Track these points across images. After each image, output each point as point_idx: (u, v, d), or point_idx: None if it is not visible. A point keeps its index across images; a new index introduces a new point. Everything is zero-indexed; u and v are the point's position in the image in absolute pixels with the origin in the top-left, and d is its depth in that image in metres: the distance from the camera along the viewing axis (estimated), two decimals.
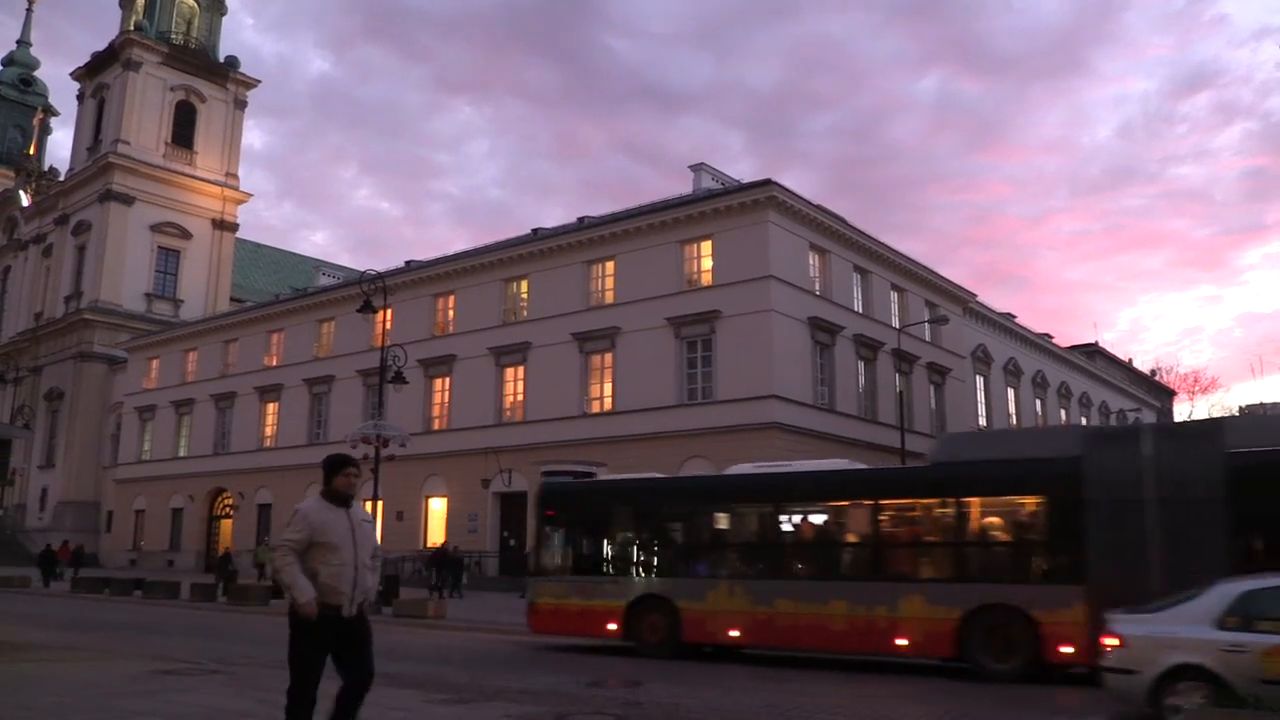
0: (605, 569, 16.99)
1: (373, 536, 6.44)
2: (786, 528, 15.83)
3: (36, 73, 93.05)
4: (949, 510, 14.39)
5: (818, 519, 15.70)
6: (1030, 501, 13.86)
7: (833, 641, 14.49)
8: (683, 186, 41.19)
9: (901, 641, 13.83)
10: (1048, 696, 11.91)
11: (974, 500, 14.23)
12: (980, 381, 46.79)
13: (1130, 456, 12.88)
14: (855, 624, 14.13)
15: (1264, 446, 12.41)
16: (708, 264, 34.07)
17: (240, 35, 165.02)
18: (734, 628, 15.22)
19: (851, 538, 15.38)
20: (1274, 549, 11.72)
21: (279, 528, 45.62)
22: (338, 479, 6.34)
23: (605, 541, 17.38)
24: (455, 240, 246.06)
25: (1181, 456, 12.64)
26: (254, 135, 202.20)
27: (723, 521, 16.76)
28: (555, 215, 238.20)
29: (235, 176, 67.26)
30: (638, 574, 16.73)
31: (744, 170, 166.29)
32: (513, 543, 36.52)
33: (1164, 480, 12.39)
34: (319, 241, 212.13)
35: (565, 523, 17.86)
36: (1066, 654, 12.59)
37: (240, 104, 68.55)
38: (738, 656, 15.48)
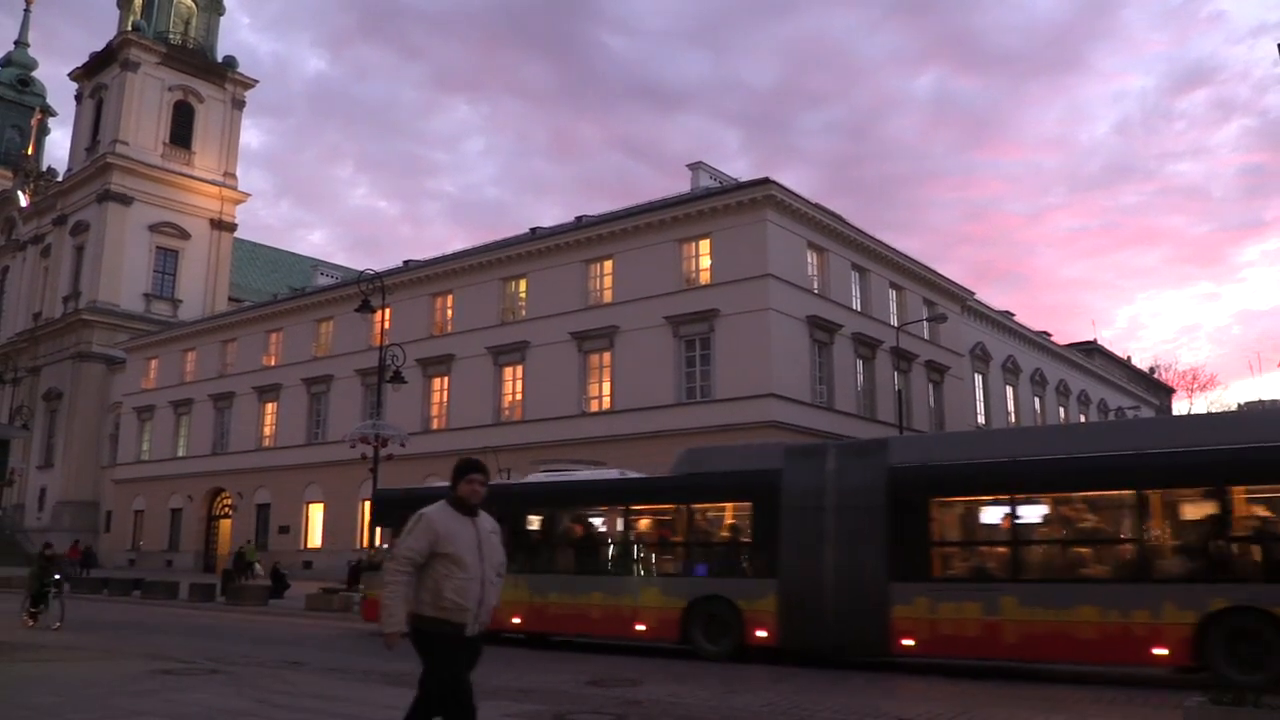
0: None
1: (500, 549, 5.93)
2: (558, 529, 17.99)
3: (34, 73, 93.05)
4: (680, 515, 16.46)
5: (580, 522, 17.92)
6: (741, 507, 15.96)
7: (591, 627, 16.55)
8: (680, 185, 41.21)
9: (641, 627, 15.95)
10: (1045, 693, 11.91)
11: (699, 506, 16.32)
12: (979, 379, 46.81)
13: (816, 470, 14.90)
14: (608, 612, 16.21)
15: (917, 462, 14.37)
16: (706, 263, 34.09)
17: (236, 35, 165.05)
18: (517, 616, 17.03)
19: (606, 538, 17.62)
20: (920, 545, 13.82)
21: (274, 527, 45.62)
22: (461, 486, 5.79)
23: None
24: (452, 239, 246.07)
25: (854, 470, 14.62)
26: (250, 134, 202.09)
27: (509, 523, 17.73)
28: (552, 214, 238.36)
29: (233, 176, 67.24)
30: None
31: (741, 168, 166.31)
32: None
33: (841, 490, 14.43)
34: (316, 241, 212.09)
35: (390, 524, 19.65)
36: (761, 637, 14.68)
37: (238, 104, 68.55)
38: (751, 656, 15.50)
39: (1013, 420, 49.71)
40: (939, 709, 10.43)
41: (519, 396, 38.22)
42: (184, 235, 63.94)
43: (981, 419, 46.55)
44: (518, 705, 10.00)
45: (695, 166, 38.31)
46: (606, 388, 35.67)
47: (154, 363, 55.37)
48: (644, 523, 17.20)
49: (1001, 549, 13.58)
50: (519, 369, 38.28)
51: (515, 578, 16.79)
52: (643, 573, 16.53)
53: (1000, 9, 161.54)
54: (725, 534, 16.31)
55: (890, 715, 10.09)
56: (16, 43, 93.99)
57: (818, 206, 35.02)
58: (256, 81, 69.66)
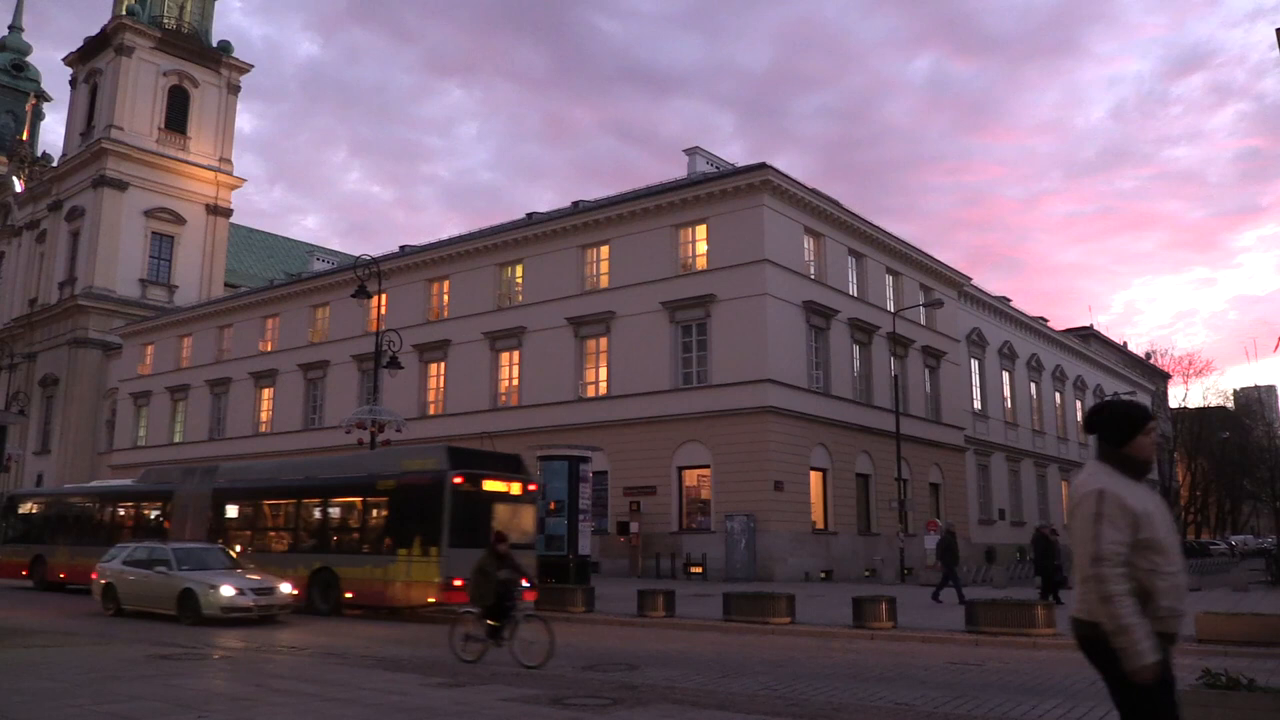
0: (23, 540, 29.19)
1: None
2: (73, 517, 28.02)
3: (28, 58, 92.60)
4: (135, 508, 26.58)
5: (84, 513, 27.86)
6: (157, 504, 25.59)
7: (77, 578, 25.03)
8: (673, 169, 41.12)
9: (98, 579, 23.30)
10: (1041, 678, 11.98)
11: (144, 503, 26.24)
12: (975, 365, 46.90)
13: (190, 483, 24.76)
14: (87, 569, 22.81)
15: (224, 480, 24.13)
16: (702, 248, 34.03)
17: (228, 18, 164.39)
18: (62, 573, 26.74)
19: (99, 522, 27.07)
20: (221, 525, 23.19)
21: None
22: (1139, 440, 4.14)
23: (24, 523, 29.75)
24: (447, 224, 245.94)
25: (202, 484, 24.33)
26: (242, 119, 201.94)
27: (45, 514, 29.44)
28: (546, 199, 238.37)
29: (229, 161, 67.00)
30: (34, 543, 28.52)
31: (735, 153, 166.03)
32: None
33: (197, 495, 24.14)
34: (310, 226, 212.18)
35: (6, 512, 30.47)
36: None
37: (233, 89, 68.25)
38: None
39: (1008, 405, 49.85)
40: (938, 694, 10.47)
41: (515, 382, 38.23)
42: (179, 221, 63.75)
43: (978, 404, 46.66)
44: (514, 689, 10.04)
45: (692, 152, 38.16)
46: (603, 373, 35.67)
47: (150, 348, 55.32)
48: (120, 514, 27.00)
49: (246, 530, 22.95)
50: (515, 354, 38.27)
51: (49, 546, 27.94)
52: (111, 543, 24.60)
53: None
54: (154, 520, 25.46)
55: (893, 700, 10.14)
56: (10, 28, 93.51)
57: (814, 192, 34.95)
58: (251, 66, 69.29)
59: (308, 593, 19.90)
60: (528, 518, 20.36)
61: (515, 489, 20.06)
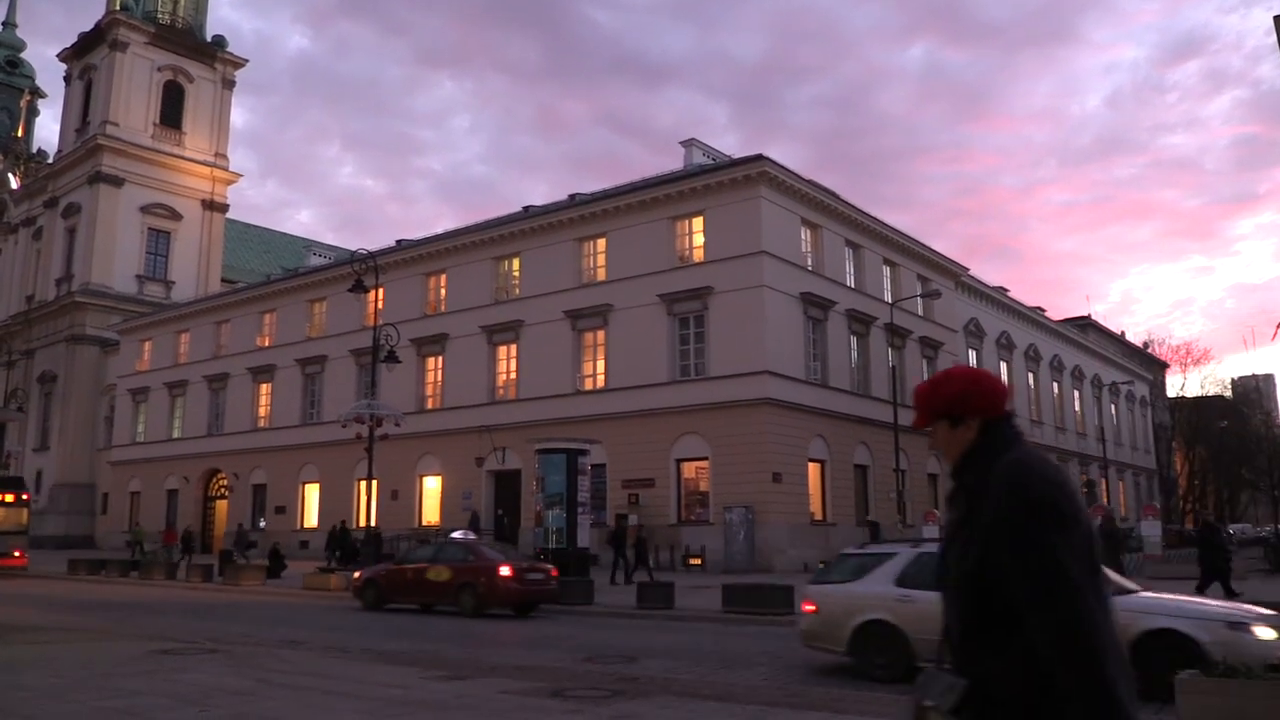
0: None
1: None
2: None
3: (22, 54, 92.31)
4: None
5: None
6: None
7: None
8: (667, 161, 41.08)
9: None
10: None
11: None
12: (973, 355, 46.89)
13: None
14: None
15: None
16: (700, 240, 33.99)
17: (218, 11, 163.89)
18: None
19: None
20: None
21: (271, 507, 45.59)
22: None
23: None
24: (440, 218, 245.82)
25: None
26: (235, 113, 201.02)
27: None
28: (540, 191, 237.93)
29: (224, 157, 66.88)
30: None
31: (730, 144, 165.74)
32: (505, 520, 36.65)
33: None
34: (304, 220, 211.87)
35: None
36: None
37: (228, 84, 68.09)
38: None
39: None
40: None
41: (513, 375, 38.21)
42: (176, 216, 63.66)
43: None
44: (516, 682, 10.06)
45: (688, 144, 38.07)
46: (600, 366, 35.67)
47: (148, 344, 55.23)
48: None
49: None
50: (513, 348, 38.25)
51: None
52: None
53: None
54: None
55: (896, 696, 10.15)
56: (4, 24, 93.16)
57: (811, 183, 34.92)
58: (246, 61, 69.10)
59: None
60: (20, 516, 34.04)
61: (9, 498, 33.99)
